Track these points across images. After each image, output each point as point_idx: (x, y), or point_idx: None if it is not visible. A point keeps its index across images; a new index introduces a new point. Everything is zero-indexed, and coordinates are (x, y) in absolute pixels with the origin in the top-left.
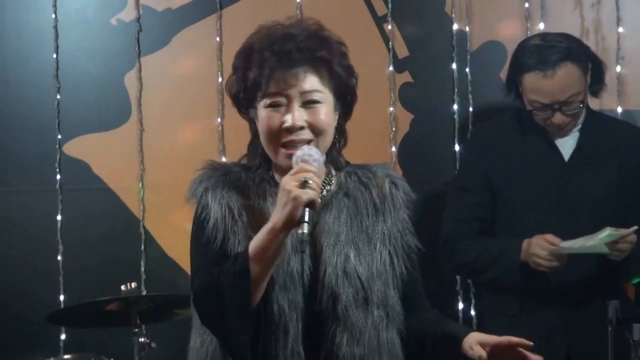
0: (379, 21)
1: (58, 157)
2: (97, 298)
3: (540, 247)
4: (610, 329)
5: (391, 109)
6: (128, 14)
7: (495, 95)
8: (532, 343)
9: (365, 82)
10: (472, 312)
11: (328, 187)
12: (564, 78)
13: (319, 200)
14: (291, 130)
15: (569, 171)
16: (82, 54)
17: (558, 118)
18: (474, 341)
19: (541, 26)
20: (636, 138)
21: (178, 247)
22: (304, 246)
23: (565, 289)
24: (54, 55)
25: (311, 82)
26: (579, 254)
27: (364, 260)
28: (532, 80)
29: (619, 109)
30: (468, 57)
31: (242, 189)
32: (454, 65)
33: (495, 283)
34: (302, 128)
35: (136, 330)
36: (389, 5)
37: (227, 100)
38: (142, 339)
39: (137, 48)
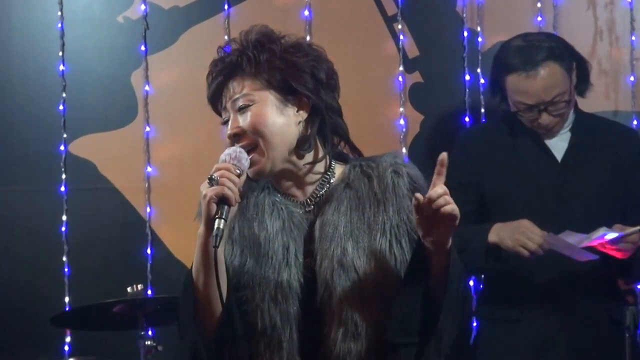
0: (389, 21)
1: (64, 156)
2: (103, 300)
3: (534, 232)
4: (627, 335)
5: (401, 109)
6: (135, 12)
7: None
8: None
9: (375, 82)
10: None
11: (327, 185)
12: (547, 78)
13: (232, 194)
14: (233, 139)
15: (563, 172)
16: (88, 52)
17: (545, 119)
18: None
19: (553, 26)
20: (628, 137)
21: (185, 249)
22: (217, 241)
23: (565, 294)
24: (60, 54)
25: (240, 87)
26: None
27: (362, 253)
28: (515, 82)
29: (633, 110)
30: (479, 57)
31: (242, 199)
32: (464, 66)
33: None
34: (238, 134)
35: (142, 333)
36: (399, 4)
37: None
38: (149, 342)
39: (143, 46)
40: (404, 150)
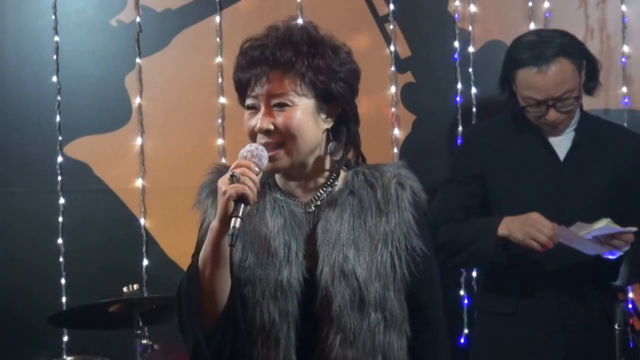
0: (381, 21)
1: (59, 158)
2: (99, 300)
3: (545, 225)
4: (617, 331)
5: (393, 109)
6: (128, 15)
7: (498, 96)
8: None
9: (367, 82)
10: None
11: (329, 189)
12: (558, 73)
13: (251, 193)
14: (260, 132)
15: (565, 171)
16: (82, 55)
17: (552, 115)
18: None
19: (544, 25)
20: (629, 140)
21: (179, 249)
22: (234, 240)
23: (561, 288)
24: (54, 57)
25: (277, 86)
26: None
27: (363, 261)
28: (526, 76)
29: (624, 110)
30: (471, 57)
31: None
32: (456, 66)
33: (470, 264)
34: (268, 131)
35: (138, 332)
36: (391, 4)
37: (228, 101)
38: (145, 341)
39: (137, 49)
40: (395, 150)
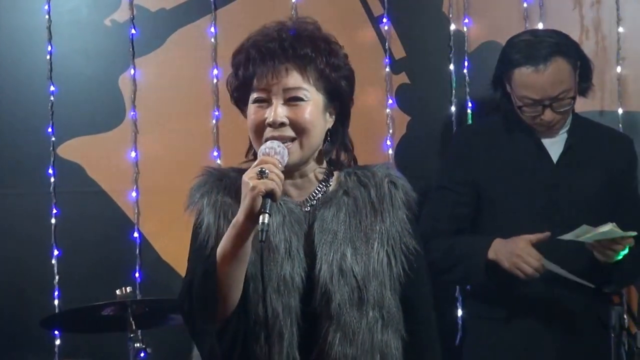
0: (375, 21)
1: (52, 159)
2: (92, 302)
3: (532, 256)
4: (612, 335)
5: (388, 110)
6: (122, 15)
7: (494, 96)
8: None
9: (361, 83)
10: None
11: (324, 189)
12: (555, 73)
13: (280, 189)
14: (273, 125)
15: (558, 173)
16: (75, 55)
17: (548, 115)
18: None
19: (540, 26)
20: (622, 144)
21: (173, 251)
22: (263, 235)
23: (553, 294)
24: (48, 57)
25: (294, 80)
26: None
27: (360, 260)
28: (522, 76)
29: (620, 110)
30: (466, 57)
31: (237, 193)
32: (451, 66)
33: (460, 282)
34: (282, 124)
35: (132, 335)
36: (385, 5)
37: (222, 101)
38: (138, 344)
39: (131, 49)
40: (390, 151)
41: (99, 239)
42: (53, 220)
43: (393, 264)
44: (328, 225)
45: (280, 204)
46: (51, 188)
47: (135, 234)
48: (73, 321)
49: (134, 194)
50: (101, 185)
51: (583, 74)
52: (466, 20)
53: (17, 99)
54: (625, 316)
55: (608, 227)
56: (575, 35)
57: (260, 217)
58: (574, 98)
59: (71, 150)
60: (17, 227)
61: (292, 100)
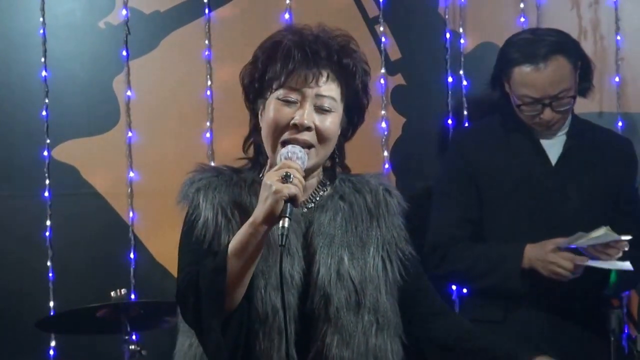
0: (371, 23)
1: (47, 161)
2: (87, 304)
3: (565, 258)
4: (612, 338)
5: (383, 112)
6: (116, 17)
7: (490, 98)
8: None
9: None
10: None
11: (321, 193)
12: (555, 72)
13: (301, 196)
14: (298, 127)
15: (556, 175)
16: (70, 57)
17: (547, 114)
18: None
19: (537, 26)
20: (620, 145)
21: (168, 253)
22: (285, 240)
23: (550, 295)
24: (42, 59)
25: (330, 88)
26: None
27: (357, 264)
28: (522, 74)
29: (618, 112)
30: (462, 59)
31: (233, 189)
32: (447, 68)
33: (493, 290)
34: (309, 129)
35: (126, 337)
36: (381, 6)
37: (216, 104)
38: (133, 346)
39: (125, 51)
40: (385, 153)
41: (93, 241)
42: (48, 223)
43: (389, 269)
44: (325, 229)
45: None
46: (46, 190)
47: (130, 236)
48: (68, 323)
49: (128, 195)
50: (96, 187)
51: (583, 73)
52: (462, 22)
53: (11, 101)
54: (625, 319)
55: (602, 231)
56: (573, 36)
57: (281, 222)
58: (574, 97)
59: (66, 152)
60: (12, 229)
61: (321, 107)
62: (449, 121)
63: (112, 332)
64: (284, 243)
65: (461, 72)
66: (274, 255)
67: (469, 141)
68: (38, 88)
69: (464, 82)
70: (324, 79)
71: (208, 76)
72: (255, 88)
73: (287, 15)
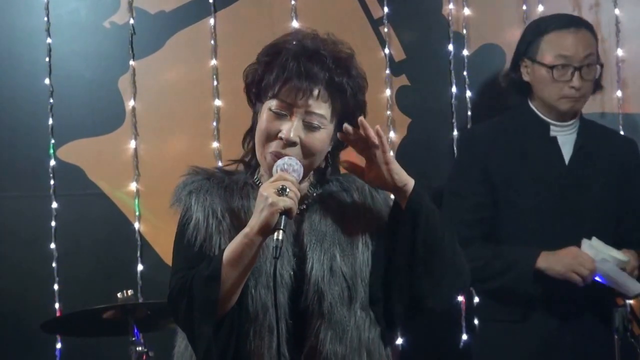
0: (375, 24)
1: (52, 162)
2: (93, 306)
3: (585, 258)
4: (616, 337)
5: (388, 112)
6: (121, 17)
7: (494, 98)
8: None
9: None
10: None
11: (313, 193)
12: (585, 36)
13: (296, 209)
14: (284, 141)
15: (570, 173)
16: (75, 57)
17: (576, 82)
18: None
19: None
20: (627, 145)
21: None
22: (278, 252)
23: (568, 296)
24: (47, 59)
25: (319, 106)
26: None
27: (347, 261)
28: (556, 36)
29: (619, 113)
30: (465, 60)
31: (225, 191)
32: (451, 69)
33: (504, 290)
34: (294, 144)
35: (133, 338)
36: (385, 7)
37: (222, 103)
38: (139, 348)
39: (130, 51)
40: (391, 153)
41: (99, 242)
42: (53, 223)
43: (376, 263)
44: (317, 227)
45: None
46: (51, 191)
47: (136, 236)
48: (74, 325)
49: (134, 196)
50: (101, 188)
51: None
52: (465, 23)
53: (16, 101)
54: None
55: (620, 256)
56: None
57: (275, 234)
58: (600, 67)
59: (71, 152)
60: (17, 230)
61: (310, 124)
62: (454, 121)
63: (118, 334)
64: (277, 255)
65: (465, 73)
66: (263, 255)
67: (482, 140)
68: (42, 88)
69: (468, 82)
70: (315, 95)
71: (214, 76)
72: (253, 91)
73: (292, 16)
